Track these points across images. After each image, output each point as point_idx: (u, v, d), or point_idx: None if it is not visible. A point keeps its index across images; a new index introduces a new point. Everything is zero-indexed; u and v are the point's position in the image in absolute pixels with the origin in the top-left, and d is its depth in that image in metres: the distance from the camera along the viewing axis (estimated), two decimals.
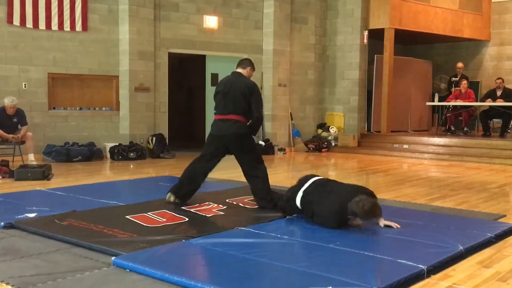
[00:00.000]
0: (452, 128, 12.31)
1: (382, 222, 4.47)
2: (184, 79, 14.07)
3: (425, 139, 11.74)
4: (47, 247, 3.89)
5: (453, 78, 12.90)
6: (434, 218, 5.00)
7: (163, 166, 9.19)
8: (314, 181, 4.84)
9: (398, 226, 4.45)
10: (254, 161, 5.44)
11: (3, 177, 7.29)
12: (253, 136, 5.58)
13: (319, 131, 12.78)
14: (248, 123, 5.42)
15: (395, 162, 10.24)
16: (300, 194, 4.72)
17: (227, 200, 5.65)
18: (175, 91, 12.17)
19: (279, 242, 4.07)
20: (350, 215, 4.36)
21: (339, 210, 4.38)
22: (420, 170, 9.10)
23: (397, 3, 12.10)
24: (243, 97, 5.35)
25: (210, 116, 11.49)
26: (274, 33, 11.72)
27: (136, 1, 10.18)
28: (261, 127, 11.09)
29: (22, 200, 5.57)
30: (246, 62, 5.63)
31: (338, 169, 9.71)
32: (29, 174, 7.15)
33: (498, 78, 11.99)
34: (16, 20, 9.33)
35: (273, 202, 5.25)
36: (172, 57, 11.32)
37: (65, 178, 7.50)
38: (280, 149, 11.73)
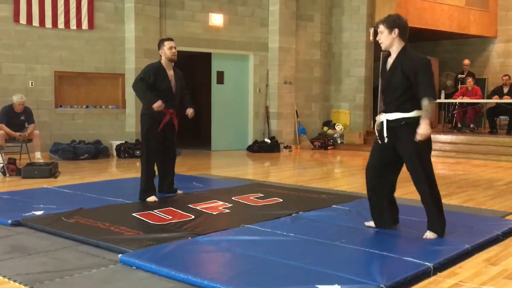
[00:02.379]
0: (459, 125, 12.27)
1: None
2: (189, 77, 14.04)
3: (431, 136, 11.66)
4: (54, 245, 3.91)
5: (460, 75, 12.86)
6: None
7: None
8: None
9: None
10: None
11: (10, 175, 7.33)
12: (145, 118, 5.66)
13: (325, 128, 12.77)
14: None
15: None
16: None
17: (233, 198, 5.65)
18: None
19: (285, 239, 4.07)
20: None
21: None
22: None
23: (403, 0, 12.05)
24: None
25: (216, 113, 11.55)
26: (280, 30, 11.71)
27: None
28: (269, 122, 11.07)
29: (29, 198, 5.59)
30: None
31: (344, 167, 9.70)
32: (36, 172, 7.18)
33: (505, 75, 11.94)
34: (23, 19, 9.37)
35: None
36: (178, 55, 11.30)
37: (72, 176, 7.53)
38: (286, 147, 11.73)
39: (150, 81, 5.54)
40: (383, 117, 4.21)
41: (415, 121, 4.02)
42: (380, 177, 4.29)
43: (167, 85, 5.65)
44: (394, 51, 4.10)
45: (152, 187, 5.61)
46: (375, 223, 4.37)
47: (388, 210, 4.34)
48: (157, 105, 5.44)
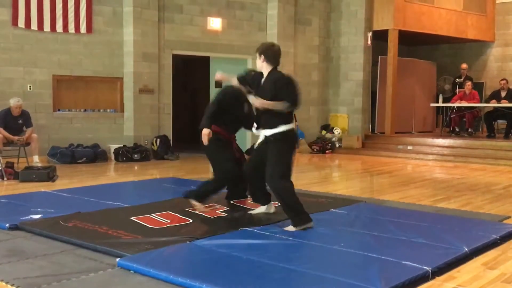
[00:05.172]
0: (457, 129, 12.29)
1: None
2: (188, 81, 14.08)
3: (430, 140, 11.71)
4: (52, 249, 3.90)
5: (457, 79, 12.89)
6: (439, 219, 4.99)
7: (167, 168, 9.20)
8: None
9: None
10: None
11: (8, 179, 7.31)
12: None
13: (323, 132, 12.77)
14: None
15: (400, 163, 10.22)
16: None
17: (231, 202, 5.65)
18: (179, 93, 12.19)
19: (283, 243, 4.07)
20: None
21: None
22: (425, 172, 9.08)
23: (401, 4, 12.08)
24: None
25: None
26: (278, 34, 11.73)
27: (140, 3, 10.21)
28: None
29: (27, 202, 5.58)
30: None
31: (342, 171, 9.70)
32: (34, 176, 7.17)
33: (503, 79, 11.96)
34: (21, 22, 9.38)
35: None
36: (176, 58, 11.34)
37: (70, 179, 7.52)
38: None
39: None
40: None
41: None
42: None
43: None
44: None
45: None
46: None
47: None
48: None
